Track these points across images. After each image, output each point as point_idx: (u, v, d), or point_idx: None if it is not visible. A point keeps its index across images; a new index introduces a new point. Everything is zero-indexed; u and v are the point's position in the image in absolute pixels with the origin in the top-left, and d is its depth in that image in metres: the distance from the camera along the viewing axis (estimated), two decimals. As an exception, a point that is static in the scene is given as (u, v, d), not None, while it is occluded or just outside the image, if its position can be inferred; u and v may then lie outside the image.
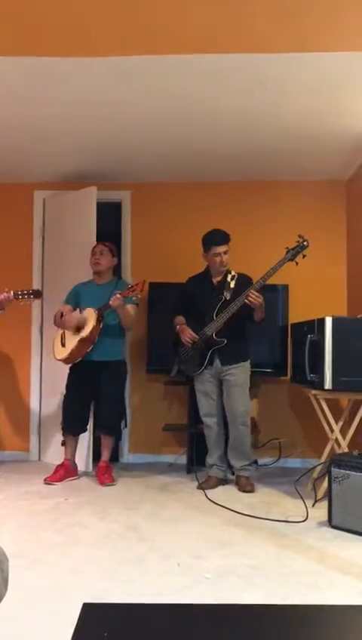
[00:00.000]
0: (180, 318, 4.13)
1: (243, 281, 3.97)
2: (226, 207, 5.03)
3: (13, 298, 3.92)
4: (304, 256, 3.82)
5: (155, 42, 2.93)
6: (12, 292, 3.92)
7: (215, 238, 4.02)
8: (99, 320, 4.05)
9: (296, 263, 3.82)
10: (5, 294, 3.90)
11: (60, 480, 4.12)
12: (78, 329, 4.12)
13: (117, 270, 5.03)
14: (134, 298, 4.03)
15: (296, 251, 3.81)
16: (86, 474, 4.40)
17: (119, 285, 4.22)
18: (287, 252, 3.82)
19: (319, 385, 3.61)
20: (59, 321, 4.22)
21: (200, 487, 3.94)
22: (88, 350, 4.11)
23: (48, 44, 2.96)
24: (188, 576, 2.47)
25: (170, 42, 2.93)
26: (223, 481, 4.09)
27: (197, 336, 3.97)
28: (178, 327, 4.10)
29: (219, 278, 4.08)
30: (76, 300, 4.31)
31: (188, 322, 4.08)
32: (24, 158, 4.64)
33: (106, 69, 3.18)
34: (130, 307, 4.12)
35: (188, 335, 4.01)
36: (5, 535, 2.96)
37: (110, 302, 3.96)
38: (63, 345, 4.18)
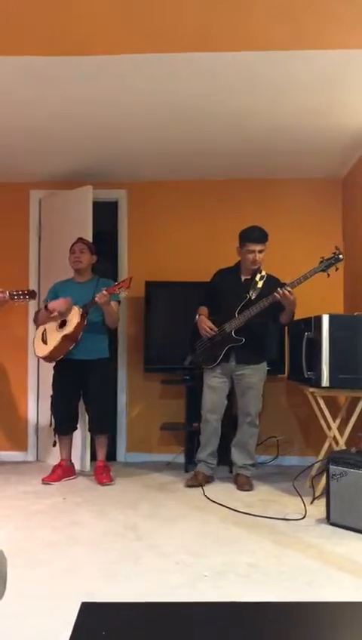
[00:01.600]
0: (203, 309, 4.10)
1: (272, 283, 3.88)
2: (223, 205, 5.03)
3: (9, 299, 3.91)
4: (337, 269, 3.74)
5: (150, 41, 2.93)
6: (7, 292, 3.91)
7: (252, 236, 3.94)
8: (83, 317, 4.03)
9: (328, 275, 3.73)
10: (0, 295, 3.89)
11: (58, 480, 4.12)
12: (61, 325, 4.09)
13: (112, 269, 5.04)
14: (121, 295, 4.01)
15: (329, 263, 3.70)
16: (83, 473, 4.40)
17: (101, 283, 4.19)
18: (321, 262, 3.72)
19: (316, 382, 3.62)
20: (43, 318, 4.16)
21: (188, 485, 3.96)
22: (70, 348, 4.08)
23: (42, 43, 2.95)
24: (186, 574, 2.47)
25: (164, 41, 2.93)
26: (210, 478, 4.07)
27: (215, 328, 3.95)
28: (198, 316, 4.07)
29: (248, 276, 4.01)
30: (56, 298, 4.26)
31: (211, 314, 4.05)
32: (20, 158, 4.64)
33: (100, 68, 3.18)
34: (113, 304, 4.11)
35: (205, 326, 3.99)
36: (3, 535, 2.96)
37: (96, 298, 3.94)
38: (45, 342, 4.15)
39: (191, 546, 2.82)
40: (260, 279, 3.89)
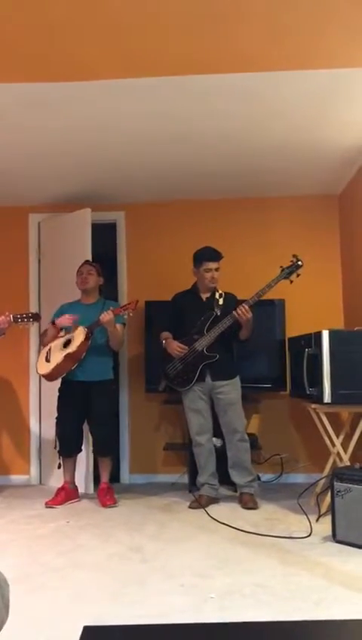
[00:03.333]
0: (166, 333, 4.14)
1: (231, 299, 4.04)
2: (220, 224, 5.06)
3: (13, 322, 3.92)
4: (298, 275, 3.90)
5: (145, 65, 2.98)
6: (11, 316, 3.92)
7: (207, 254, 4.06)
8: (87, 337, 4.05)
9: (291, 282, 3.90)
10: (4, 318, 3.90)
11: (61, 503, 4.09)
12: (66, 344, 4.10)
13: (112, 290, 5.06)
14: (125, 316, 4.04)
15: (290, 270, 3.89)
16: (87, 496, 4.37)
17: (107, 305, 4.21)
18: (282, 271, 3.90)
19: (318, 399, 3.61)
20: (50, 335, 4.19)
21: (191, 507, 3.94)
22: (73, 367, 4.09)
23: (39, 70, 3.00)
24: (192, 596, 2.44)
25: (160, 64, 2.98)
26: (214, 500, 4.04)
27: (186, 348, 3.98)
28: (164, 341, 4.10)
29: (207, 295, 4.11)
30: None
31: (176, 338, 4.08)
32: (18, 182, 4.68)
33: (96, 92, 3.24)
34: (118, 326, 4.12)
35: (176, 347, 4.01)
36: (7, 560, 2.94)
37: (100, 317, 3.97)
38: (48, 360, 4.16)
39: (197, 567, 2.80)
40: (220, 297, 4.02)
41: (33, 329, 4.95)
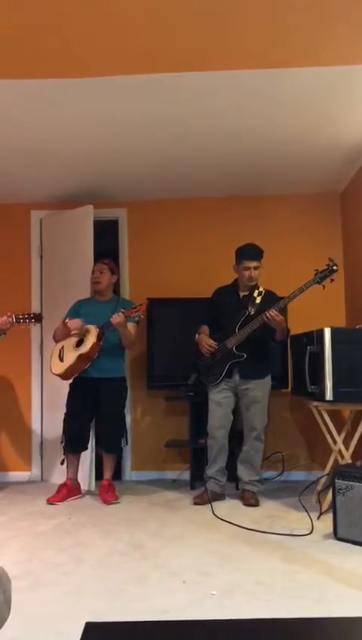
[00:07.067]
0: (203, 327, 4.13)
1: (270, 299, 3.92)
2: (222, 222, 5.06)
3: (15, 322, 3.92)
4: (332, 280, 3.77)
5: (148, 61, 2.97)
6: (13, 316, 3.92)
7: (247, 252, 4.00)
8: (99, 337, 4.06)
9: (323, 287, 3.77)
10: (6, 318, 3.90)
11: (63, 499, 4.10)
12: (78, 344, 4.12)
13: (115, 287, 5.06)
14: (136, 318, 4.05)
15: (324, 274, 3.75)
16: (89, 493, 4.38)
17: (121, 304, 4.22)
18: (316, 274, 3.76)
19: (320, 396, 3.61)
20: (60, 334, 4.20)
21: (195, 503, 3.94)
22: (85, 367, 4.10)
23: (40, 66, 3.00)
24: (194, 593, 2.45)
25: (162, 61, 2.97)
26: (220, 496, 4.04)
27: (215, 345, 3.97)
28: (197, 335, 4.10)
29: (245, 292, 4.05)
30: (77, 316, 4.29)
31: (212, 332, 4.07)
32: (20, 179, 4.68)
33: (98, 89, 3.23)
34: (130, 325, 4.13)
35: (205, 345, 4.01)
36: (8, 556, 2.95)
37: (111, 319, 3.98)
38: (61, 360, 4.17)
39: (198, 564, 2.80)
40: (258, 295, 3.92)
41: (36, 328, 4.95)
